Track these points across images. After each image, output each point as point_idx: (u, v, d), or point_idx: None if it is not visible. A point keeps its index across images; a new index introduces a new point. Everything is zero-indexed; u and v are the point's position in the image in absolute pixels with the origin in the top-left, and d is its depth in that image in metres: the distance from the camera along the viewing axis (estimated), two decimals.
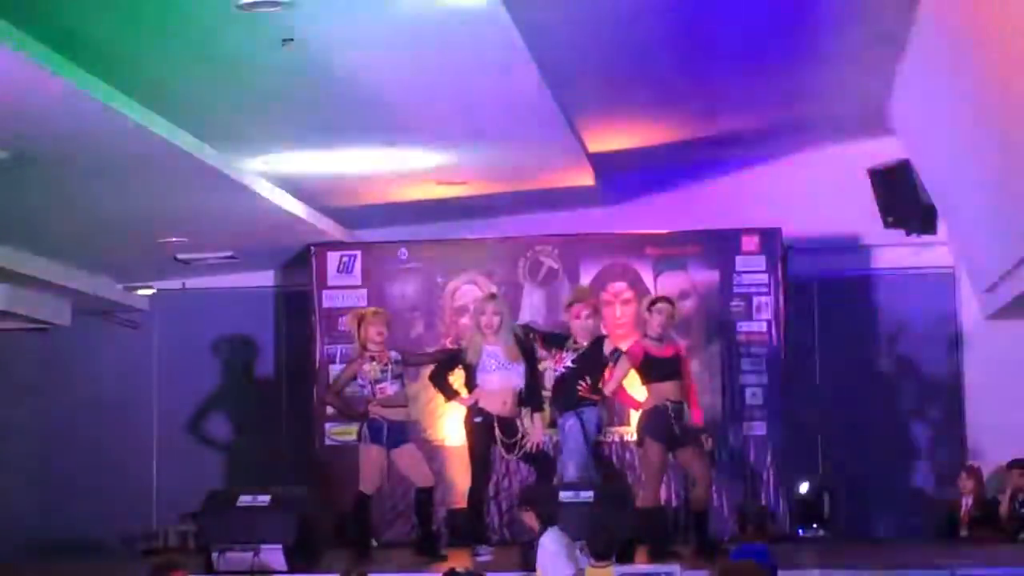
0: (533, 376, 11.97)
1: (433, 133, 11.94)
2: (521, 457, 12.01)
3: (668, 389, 11.65)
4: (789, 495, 13.78)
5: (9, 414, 15.92)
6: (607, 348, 11.86)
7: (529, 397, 11.87)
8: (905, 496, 14.59)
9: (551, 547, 9.46)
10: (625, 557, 9.69)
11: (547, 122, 11.77)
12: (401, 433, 11.92)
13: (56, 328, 15.41)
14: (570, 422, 11.66)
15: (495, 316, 11.90)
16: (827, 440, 14.71)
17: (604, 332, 12.34)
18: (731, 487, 13.72)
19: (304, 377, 14.56)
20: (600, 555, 9.41)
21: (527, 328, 12.45)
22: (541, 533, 9.62)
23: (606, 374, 11.87)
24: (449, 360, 12.20)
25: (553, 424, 12.23)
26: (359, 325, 12.03)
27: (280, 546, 10.72)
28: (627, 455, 13.79)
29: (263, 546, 10.73)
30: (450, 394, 12.06)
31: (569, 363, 11.76)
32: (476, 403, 11.81)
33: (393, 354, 12.05)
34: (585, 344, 11.79)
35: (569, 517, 10.25)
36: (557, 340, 12.10)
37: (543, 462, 12.00)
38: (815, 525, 13.82)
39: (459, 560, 10.84)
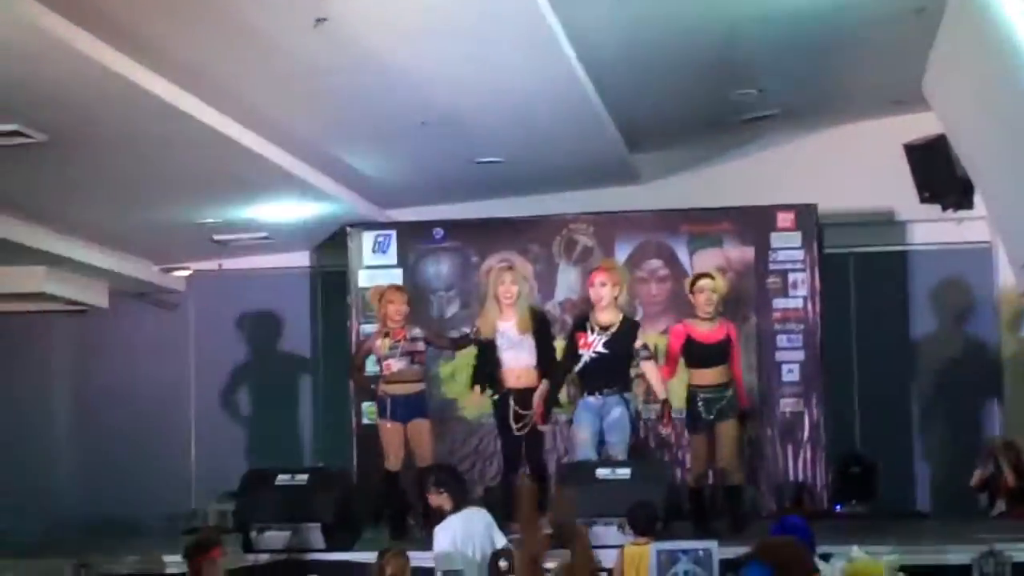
0: (545, 350, 11.98)
1: (466, 112, 11.93)
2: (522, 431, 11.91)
3: (709, 375, 11.65)
4: (827, 471, 13.75)
5: (48, 396, 16.00)
6: (638, 341, 11.79)
7: (545, 371, 11.86)
8: (943, 471, 14.56)
9: (449, 526, 9.65)
10: (663, 533, 9.67)
11: (581, 100, 11.75)
12: (414, 408, 11.96)
13: (94, 310, 15.48)
14: (618, 411, 11.58)
15: (513, 286, 11.94)
16: (864, 416, 14.69)
17: (637, 318, 12.34)
18: (768, 464, 13.72)
19: (340, 357, 14.57)
20: (639, 531, 9.46)
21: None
22: (451, 513, 9.75)
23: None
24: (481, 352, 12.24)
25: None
26: (379, 301, 12.11)
27: (319, 525, 10.76)
28: (663, 432, 13.78)
29: (301, 525, 10.77)
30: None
31: (601, 347, 11.69)
32: (497, 379, 11.90)
33: (415, 331, 12.09)
34: (611, 323, 11.71)
35: (606, 494, 10.28)
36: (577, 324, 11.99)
37: (535, 443, 11.98)
38: (853, 501, 13.80)
39: None
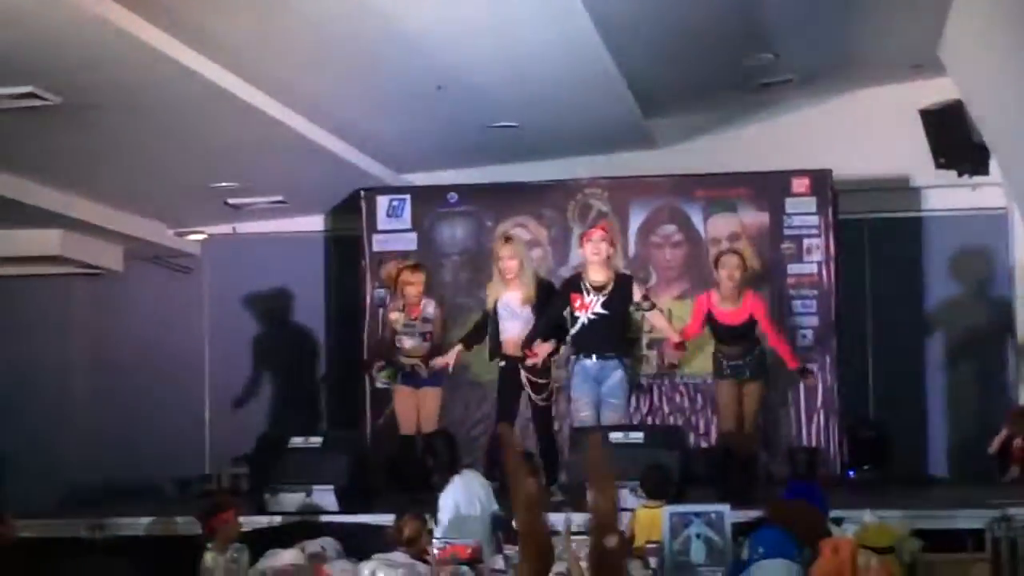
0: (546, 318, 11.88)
1: (481, 76, 11.91)
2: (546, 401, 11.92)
3: (735, 352, 11.67)
4: (840, 436, 13.76)
5: (63, 359, 16.05)
6: (636, 294, 11.75)
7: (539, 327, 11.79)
8: (956, 437, 14.56)
9: (455, 489, 9.80)
10: (676, 497, 9.69)
11: (596, 64, 11.72)
12: (430, 377, 12.14)
13: (108, 273, 15.52)
14: (617, 375, 11.55)
15: (511, 260, 11.90)
16: (878, 381, 14.69)
17: (650, 284, 12.34)
18: (782, 429, 13.73)
19: (353, 321, 14.59)
20: (652, 495, 9.48)
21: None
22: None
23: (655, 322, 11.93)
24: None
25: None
26: (396, 279, 12.20)
27: (332, 487, 10.79)
28: (676, 397, 13.82)
29: (315, 487, 10.80)
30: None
31: (599, 308, 11.64)
32: (499, 348, 11.93)
33: (429, 309, 12.14)
34: (606, 282, 11.62)
35: (619, 458, 10.27)
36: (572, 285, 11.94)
37: (545, 414, 11.98)
38: (866, 466, 13.79)
39: None
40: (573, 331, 11.67)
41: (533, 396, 11.81)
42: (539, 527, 3.69)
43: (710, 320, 11.77)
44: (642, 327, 12.70)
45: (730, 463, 11.47)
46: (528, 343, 11.61)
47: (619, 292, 11.59)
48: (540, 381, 11.78)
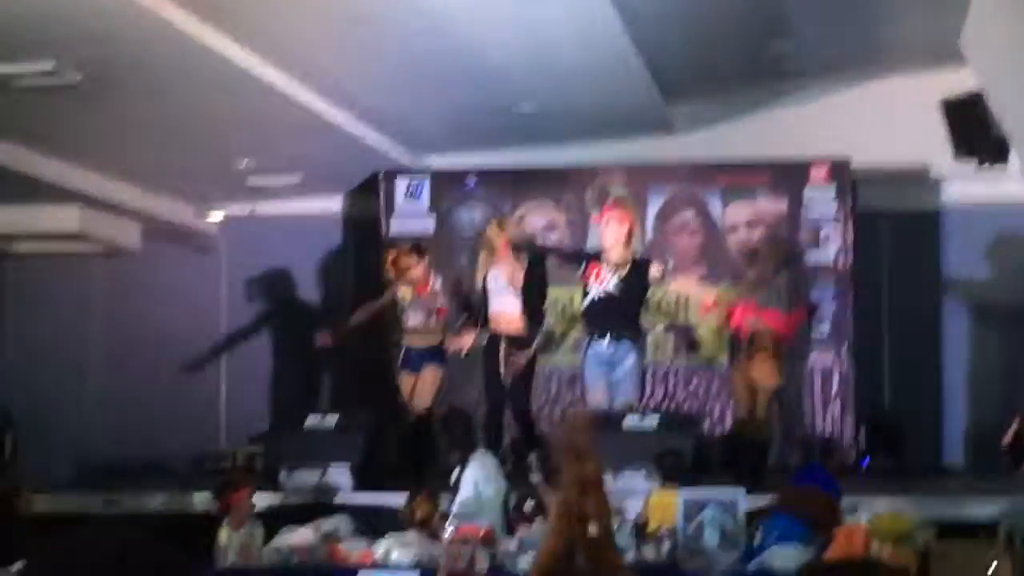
0: (531, 297, 12.03)
1: (500, 60, 11.91)
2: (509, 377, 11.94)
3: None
4: (855, 426, 13.75)
5: (80, 337, 16.08)
6: (654, 271, 11.74)
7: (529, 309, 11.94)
8: (972, 427, 14.54)
9: (475, 472, 9.79)
10: (691, 481, 9.69)
11: (617, 49, 11.72)
12: (429, 358, 12.20)
13: (126, 252, 15.55)
14: (630, 359, 11.54)
15: (498, 240, 12.09)
16: (894, 371, 14.67)
17: (647, 256, 12.35)
18: (797, 417, 13.73)
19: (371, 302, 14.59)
20: (666, 479, 9.49)
21: (534, 246, 12.49)
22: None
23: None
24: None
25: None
26: (395, 266, 12.22)
27: (347, 466, 10.82)
28: (692, 383, 13.82)
29: (330, 465, 10.83)
30: None
31: (612, 287, 11.62)
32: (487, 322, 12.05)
33: (438, 286, 12.19)
34: (624, 262, 11.64)
35: (633, 443, 10.30)
36: (575, 257, 12.11)
37: (519, 391, 12.01)
38: (880, 456, 13.79)
39: None
40: (585, 305, 11.70)
41: (502, 371, 11.90)
42: (585, 509, 3.72)
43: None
44: (661, 309, 12.77)
45: (744, 449, 11.47)
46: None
47: (636, 274, 11.59)
48: (514, 357, 11.85)
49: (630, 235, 11.77)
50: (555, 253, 12.69)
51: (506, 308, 11.97)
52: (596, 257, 11.71)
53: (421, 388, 12.13)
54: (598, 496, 3.62)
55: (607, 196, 14.32)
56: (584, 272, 11.67)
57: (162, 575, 2.55)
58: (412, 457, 11.98)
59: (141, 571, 2.53)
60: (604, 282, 11.55)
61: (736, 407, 12.09)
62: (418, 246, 12.71)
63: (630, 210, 12.25)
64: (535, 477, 10.78)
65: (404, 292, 12.30)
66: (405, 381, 12.31)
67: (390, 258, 12.51)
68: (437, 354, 12.29)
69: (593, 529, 3.60)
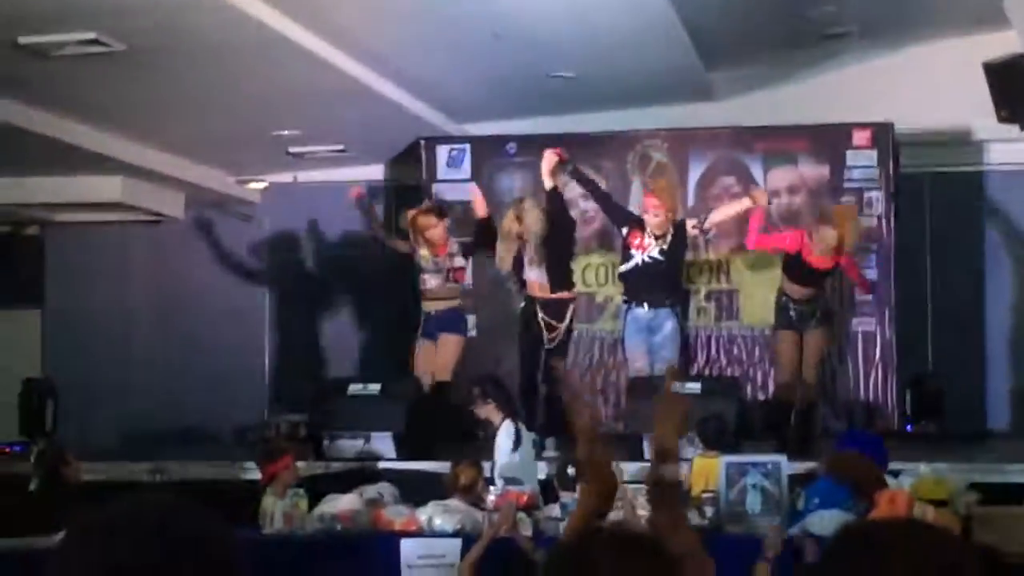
0: (561, 255, 12.00)
1: (539, 25, 11.89)
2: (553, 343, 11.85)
3: (803, 291, 11.69)
4: (898, 390, 13.72)
5: (125, 306, 16.19)
6: (690, 230, 11.88)
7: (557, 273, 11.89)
8: (1017, 392, 14.49)
9: (506, 436, 9.85)
10: (733, 447, 9.71)
11: (657, 13, 11.68)
12: (446, 323, 12.05)
13: (170, 220, 15.64)
14: (669, 324, 11.58)
15: (519, 225, 11.89)
16: (937, 335, 14.62)
17: (709, 235, 12.37)
18: (840, 382, 13.71)
19: (412, 270, 14.61)
20: (709, 444, 9.50)
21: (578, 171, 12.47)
22: (501, 424, 9.82)
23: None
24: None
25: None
26: (414, 228, 12.12)
27: (390, 434, 10.86)
28: (734, 349, 13.81)
29: (373, 434, 10.87)
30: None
31: (656, 253, 11.64)
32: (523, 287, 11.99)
33: (455, 248, 12.15)
34: (665, 231, 11.69)
35: None
36: (618, 214, 12.22)
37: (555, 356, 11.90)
38: (924, 420, 13.75)
39: None
40: (625, 269, 11.74)
41: (546, 336, 11.78)
42: (601, 464, 3.74)
43: (795, 259, 11.70)
44: (701, 277, 12.81)
45: (788, 414, 11.47)
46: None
47: (676, 239, 11.70)
48: (553, 322, 11.76)
49: (672, 212, 11.81)
50: (598, 196, 12.56)
51: (535, 278, 11.88)
52: (639, 223, 11.72)
53: (441, 358, 11.95)
54: (676, 435, 3.65)
55: (649, 162, 14.30)
56: (627, 237, 11.72)
57: (205, 543, 2.55)
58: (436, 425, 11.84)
59: (183, 539, 2.53)
60: (647, 249, 11.60)
61: (780, 371, 12.04)
62: (439, 206, 12.65)
63: (669, 191, 12.23)
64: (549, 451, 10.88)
65: (424, 253, 12.19)
66: (425, 350, 12.11)
67: (409, 217, 12.38)
68: (455, 320, 12.17)
69: (667, 470, 3.63)
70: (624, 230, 11.90)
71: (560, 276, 11.88)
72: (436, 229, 12.13)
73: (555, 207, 11.98)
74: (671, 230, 11.69)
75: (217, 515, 2.62)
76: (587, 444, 3.72)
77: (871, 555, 2.52)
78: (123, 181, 14.28)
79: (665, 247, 11.61)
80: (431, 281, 12.11)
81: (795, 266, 11.75)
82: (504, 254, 11.91)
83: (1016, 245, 14.67)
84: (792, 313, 11.72)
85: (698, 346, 13.73)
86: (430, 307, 12.12)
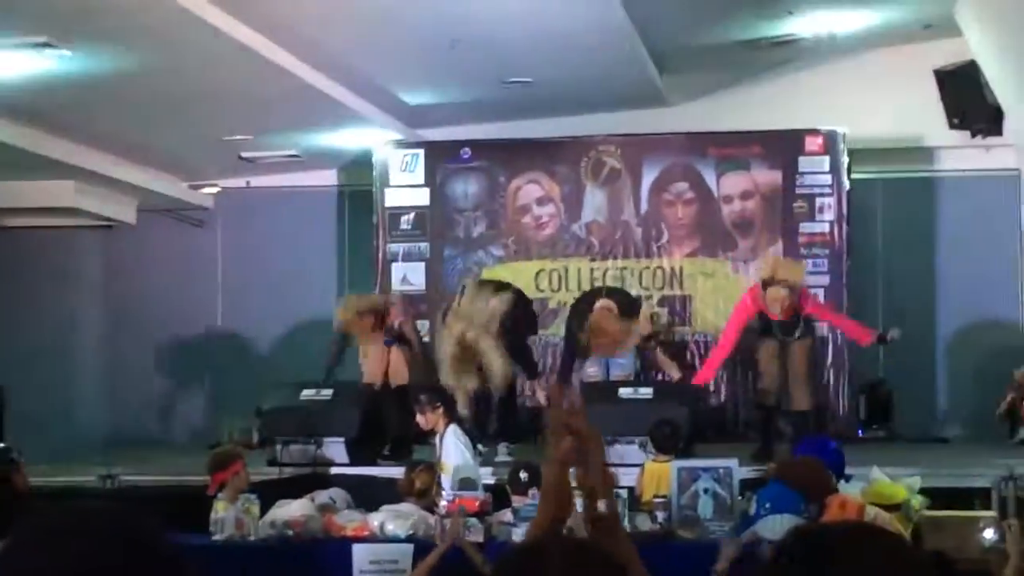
0: (518, 351, 11.62)
1: (495, 31, 11.89)
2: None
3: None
4: (850, 396, 13.77)
5: (76, 311, 16.10)
6: (644, 328, 11.91)
7: (520, 365, 11.68)
8: (966, 398, 14.57)
9: (457, 440, 9.73)
10: (685, 452, 9.72)
11: (611, 20, 11.71)
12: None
13: (121, 226, 15.55)
14: None
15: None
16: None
17: (663, 241, 12.28)
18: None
19: (366, 275, 14.61)
20: (661, 449, 9.51)
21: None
22: (446, 430, 9.81)
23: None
24: None
25: None
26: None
27: (342, 440, 10.83)
28: (687, 354, 13.83)
29: (325, 439, 10.84)
30: None
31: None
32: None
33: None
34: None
35: (629, 413, 10.32)
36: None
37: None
38: (875, 425, 13.82)
39: None
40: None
41: None
42: (565, 486, 3.73)
43: (760, 317, 11.52)
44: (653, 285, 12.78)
45: (768, 420, 11.46)
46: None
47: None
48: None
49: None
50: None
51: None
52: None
53: (394, 363, 11.82)
54: (601, 469, 3.62)
55: (602, 167, 14.32)
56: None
57: (151, 549, 2.53)
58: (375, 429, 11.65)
59: (129, 545, 2.51)
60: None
61: (761, 379, 11.82)
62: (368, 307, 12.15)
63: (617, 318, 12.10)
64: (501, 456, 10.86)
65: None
66: (372, 350, 11.90)
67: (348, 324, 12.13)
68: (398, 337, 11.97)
69: (602, 506, 3.59)
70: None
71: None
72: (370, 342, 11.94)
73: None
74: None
75: (166, 521, 2.60)
76: (559, 471, 3.70)
77: (821, 559, 2.53)
78: (75, 186, 14.19)
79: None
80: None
81: (764, 321, 11.54)
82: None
83: (967, 251, 14.74)
84: (776, 328, 11.51)
85: (650, 352, 13.72)
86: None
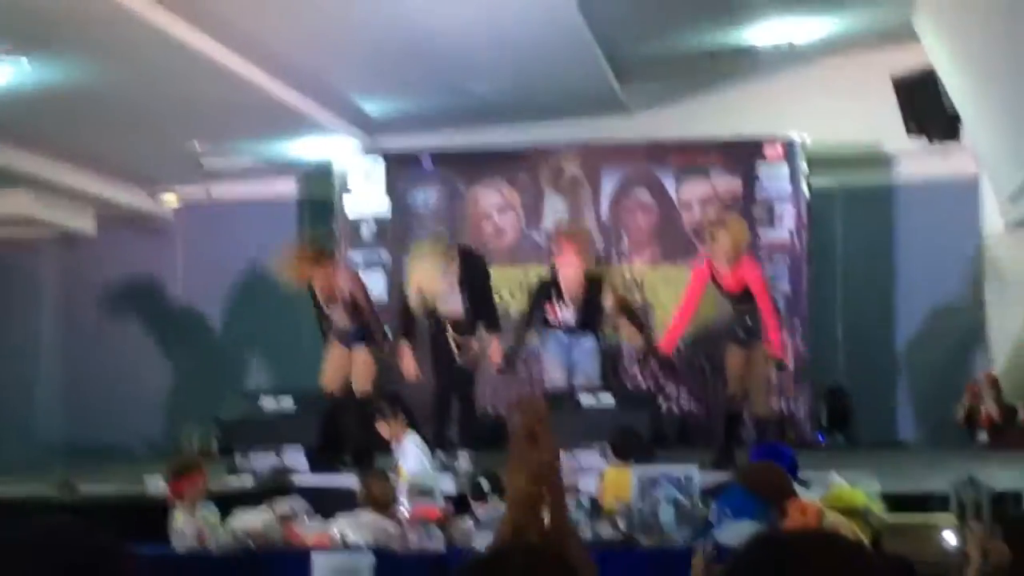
0: (481, 301, 11.54)
1: (455, 40, 11.90)
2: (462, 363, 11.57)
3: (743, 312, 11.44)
4: (810, 402, 13.82)
5: (34, 321, 16.03)
6: (608, 300, 11.54)
7: (484, 323, 11.54)
8: (925, 404, 14.63)
9: (417, 448, 9.76)
10: (646, 459, 9.71)
11: (571, 29, 11.73)
12: (358, 336, 11.59)
13: (81, 237, 15.49)
14: (589, 342, 11.43)
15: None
16: (848, 348, 14.75)
17: (599, 271, 12.11)
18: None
19: None
20: (621, 456, 9.51)
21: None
22: (405, 438, 9.80)
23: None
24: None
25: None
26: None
27: (302, 448, 10.79)
28: (649, 360, 13.87)
29: (285, 447, 10.80)
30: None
31: (571, 316, 11.36)
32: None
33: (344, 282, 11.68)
34: (579, 293, 11.37)
35: (589, 421, 10.32)
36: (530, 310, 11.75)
37: (468, 378, 11.71)
38: (835, 431, 13.86)
39: None
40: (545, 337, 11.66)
41: (457, 355, 11.48)
42: (533, 493, 3.73)
43: (714, 282, 11.39)
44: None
45: (733, 426, 11.44)
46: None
47: (591, 297, 11.40)
48: (463, 340, 11.47)
49: (586, 263, 11.52)
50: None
51: (450, 305, 11.45)
52: (547, 294, 11.57)
53: (356, 369, 11.58)
54: (554, 483, 3.61)
55: (562, 175, 14.33)
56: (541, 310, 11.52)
57: (104, 563, 2.52)
58: (337, 436, 11.53)
59: (81, 559, 2.50)
60: (562, 318, 11.43)
61: (729, 384, 11.73)
62: (317, 251, 11.85)
63: (582, 235, 12.04)
64: (463, 464, 10.81)
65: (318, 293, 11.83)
66: (337, 355, 11.69)
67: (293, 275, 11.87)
68: (364, 334, 11.68)
69: (546, 518, 3.61)
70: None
71: (480, 310, 11.64)
72: (319, 276, 11.59)
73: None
74: (585, 291, 11.43)
75: (125, 532, 2.59)
76: (532, 481, 3.71)
77: (781, 565, 2.53)
78: (33, 196, 14.12)
79: (579, 306, 11.40)
80: (335, 313, 11.75)
81: (718, 288, 11.46)
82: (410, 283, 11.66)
83: (926, 257, 14.79)
84: (741, 332, 11.47)
85: (611, 359, 13.74)
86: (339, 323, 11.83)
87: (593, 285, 11.52)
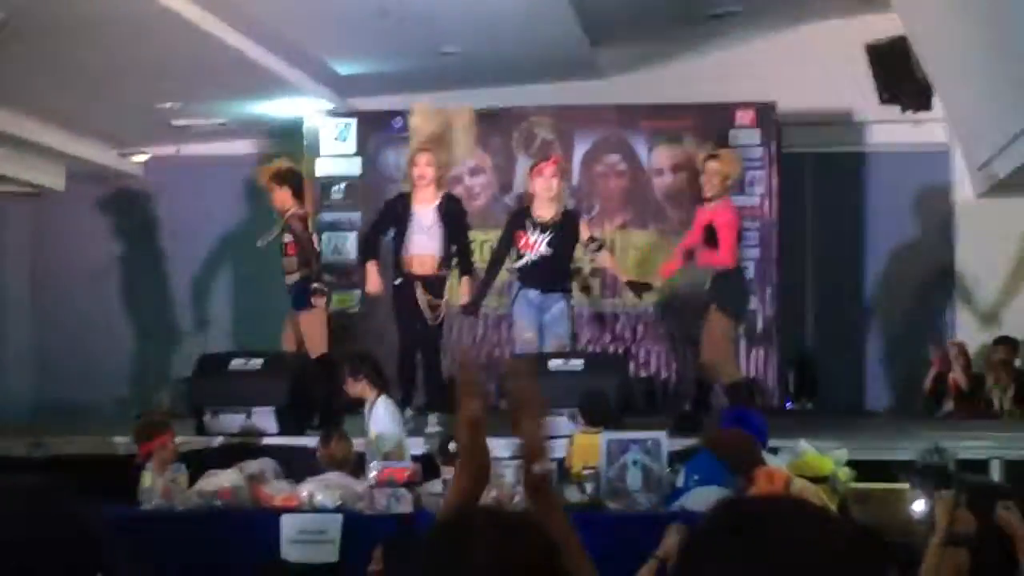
0: (459, 241, 11.49)
1: (427, 1, 11.86)
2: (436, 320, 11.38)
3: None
4: (778, 368, 13.86)
5: (2, 279, 15.97)
6: (583, 234, 11.53)
7: (458, 262, 11.46)
8: (893, 371, 14.69)
9: (385, 410, 9.78)
10: (615, 424, 9.72)
11: None
12: (296, 298, 11.54)
13: (50, 193, 15.42)
14: (560, 305, 11.39)
15: (428, 167, 11.34)
16: (817, 314, 14.80)
17: (594, 213, 12.14)
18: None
19: None
20: (590, 421, 9.53)
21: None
22: (376, 400, 9.79)
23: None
24: (379, 222, 11.77)
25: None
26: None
27: (272, 408, 10.77)
28: (617, 326, 13.88)
29: (254, 408, 10.78)
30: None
31: (544, 247, 11.34)
32: (400, 265, 11.36)
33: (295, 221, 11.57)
34: (553, 219, 11.32)
35: (559, 385, 10.30)
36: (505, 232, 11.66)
37: (435, 336, 11.49)
38: (803, 398, 13.91)
39: None
40: (516, 266, 11.50)
41: (428, 315, 11.31)
42: (479, 449, 3.71)
43: (710, 234, 11.30)
44: (585, 258, 12.71)
45: (707, 391, 11.46)
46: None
47: (565, 229, 11.33)
48: (435, 300, 11.34)
49: (561, 189, 11.52)
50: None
51: (424, 250, 11.34)
52: (520, 223, 11.54)
53: (309, 333, 11.47)
54: (536, 432, 3.60)
55: (534, 139, 14.31)
56: (512, 241, 11.44)
57: (70, 520, 2.51)
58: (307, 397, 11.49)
59: (48, 516, 2.50)
60: (535, 247, 11.32)
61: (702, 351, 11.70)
62: (281, 171, 11.74)
63: (564, 162, 12.10)
64: (432, 426, 10.82)
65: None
66: (290, 323, 11.64)
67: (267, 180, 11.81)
68: (300, 295, 11.52)
69: (538, 467, 3.59)
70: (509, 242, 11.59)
71: (458, 257, 11.54)
72: (279, 195, 11.56)
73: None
74: (560, 216, 11.36)
75: (93, 491, 2.58)
76: (469, 434, 3.69)
77: (747, 531, 2.53)
78: (2, 152, 14.05)
79: (553, 239, 11.33)
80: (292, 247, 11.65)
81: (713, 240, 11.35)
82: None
83: (896, 226, 14.84)
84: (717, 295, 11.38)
85: (582, 323, 13.74)
86: (288, 279, 11.75)
87: (568, 215, 11.51)
